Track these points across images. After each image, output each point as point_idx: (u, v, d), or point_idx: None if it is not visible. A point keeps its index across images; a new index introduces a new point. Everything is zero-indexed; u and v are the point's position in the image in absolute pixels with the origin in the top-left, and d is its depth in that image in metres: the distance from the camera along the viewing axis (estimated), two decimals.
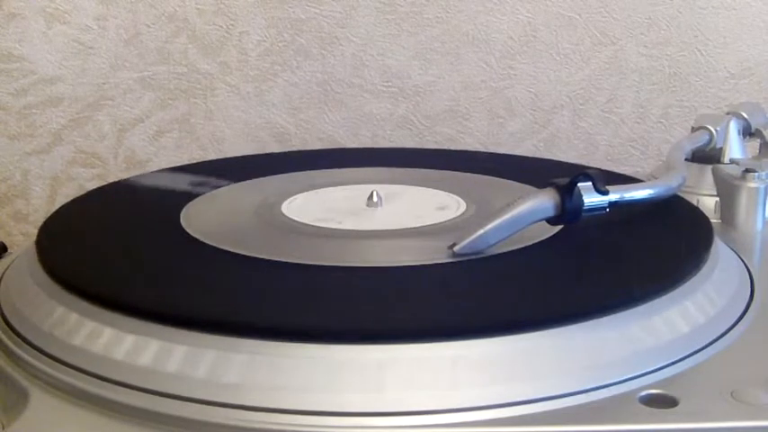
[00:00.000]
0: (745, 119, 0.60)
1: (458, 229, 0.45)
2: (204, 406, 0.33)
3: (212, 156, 0.81)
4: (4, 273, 0.47)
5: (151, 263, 0.44)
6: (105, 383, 0.35)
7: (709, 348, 0.38)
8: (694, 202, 0.55)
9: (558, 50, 0.82)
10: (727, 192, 0.55)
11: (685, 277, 0.41)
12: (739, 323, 0.40)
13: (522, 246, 0.44)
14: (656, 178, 0.53)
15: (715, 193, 0.56)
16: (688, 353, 0.37)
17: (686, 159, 0.56)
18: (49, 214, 0.51)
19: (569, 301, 0.38)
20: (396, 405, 0.33)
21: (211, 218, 0.50)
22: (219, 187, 0.56)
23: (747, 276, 0.46)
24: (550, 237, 0.45)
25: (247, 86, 0.81)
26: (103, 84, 0.80)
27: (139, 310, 0.37)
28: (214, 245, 0.45)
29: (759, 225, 0.54)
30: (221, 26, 0.80)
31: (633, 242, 0.46)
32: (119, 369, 0.35)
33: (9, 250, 0.52)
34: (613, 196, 0.45)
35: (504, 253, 0.43)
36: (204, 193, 0.55)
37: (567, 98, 0.83)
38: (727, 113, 0.61)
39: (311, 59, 0.81)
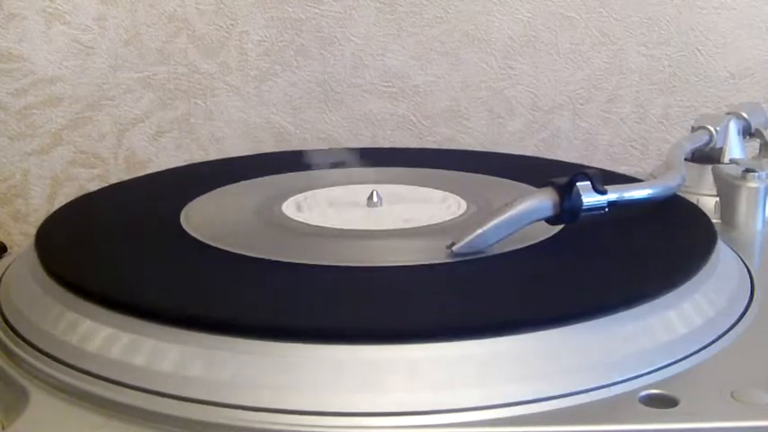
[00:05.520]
0: (745, 119, 0.60)
1: (458, 229, 0.45)
2: (204, 406, 0.33)
3: (212, 156, 0.81)
4: (4, 273, 0.47)
5: (151, 263, 0.44)
6: (105, 383, 0.35)
7: (709, 348, 0.38)
8: (694, 202, 0.55)
9: (558, 50, 0.82)
10: (727, 192, 0.55)
11: (686, 277, 0.41)
12: (739, 323, 0.40)
13: (522, 246, 0.44)
14: (656, 178, 0.53)
15: (715, 193, 0.56)
16: (688, 353, 0.37)
17: (686, 159, 0.56)
18: (48, 214, 0.51)
19: (569, 301, 0.38)
20: (395, 405, 0.33)
21: (211, 218, 0.50)
22: (219, 187, 0.56)
23: (747, 276, 0.46)
24: (550, 237, 0.45)
25: (247, 86, 0.81)
26: (103, 84, 0.80)
27: (139, 310, 0.37)
28: (214, 245, 0.45)
29: (759, 225, 0.54)
30: (221, 26, 0.80)
31: (633, 242, 0.46)
32: (119, 369, 0.35)
33: (9, 250, 0.52)
34: (612, 196, 0.45)
35: (504, 253, 0.43)
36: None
37: (566, 98, 0.83)
38: (727, 113, 0.61)
39: (311, 59, 0.81)
